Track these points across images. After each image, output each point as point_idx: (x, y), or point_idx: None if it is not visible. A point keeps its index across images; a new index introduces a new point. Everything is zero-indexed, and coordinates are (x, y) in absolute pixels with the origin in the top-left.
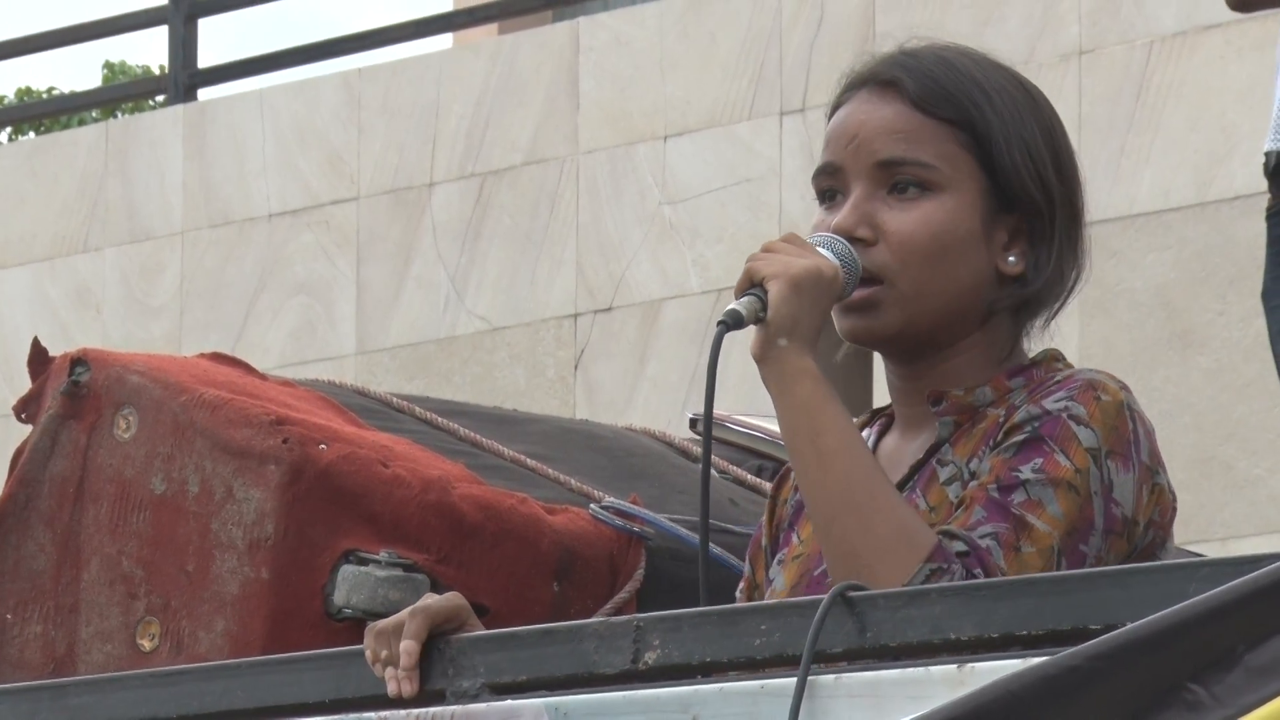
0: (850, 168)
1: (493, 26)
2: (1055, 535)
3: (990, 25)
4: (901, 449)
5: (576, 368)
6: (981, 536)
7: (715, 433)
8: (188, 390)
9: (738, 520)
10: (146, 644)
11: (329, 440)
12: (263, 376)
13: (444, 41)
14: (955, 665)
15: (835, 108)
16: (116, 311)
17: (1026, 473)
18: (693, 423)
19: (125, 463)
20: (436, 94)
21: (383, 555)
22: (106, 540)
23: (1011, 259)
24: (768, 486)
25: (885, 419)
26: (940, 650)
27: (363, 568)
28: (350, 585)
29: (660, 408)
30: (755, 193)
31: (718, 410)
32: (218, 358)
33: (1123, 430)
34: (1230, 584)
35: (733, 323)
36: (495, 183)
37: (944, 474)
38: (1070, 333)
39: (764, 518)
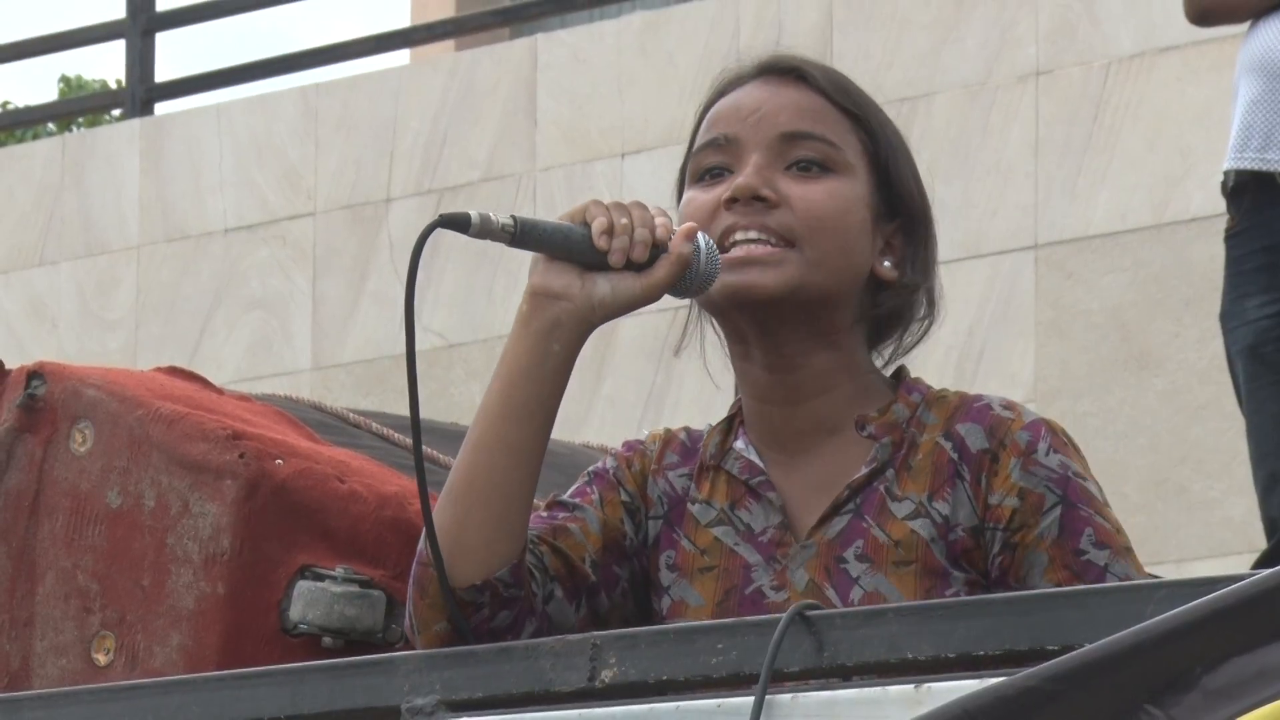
0: (749, 140)
1: (450, 43)
2: None
3: (948, 45)
4: (822, 465)
5: None
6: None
7: None
8: (144, 404)
9: None
10: (101, 658)
11: (285, 455)
12: (219, 391)
13: (401, 57)
14: (912, 685)
15: (719, 95)
16: (72, 325)
17: (1099, 556)
18: None
19: (81, 476)
20: (394, 109)
21: (339, 571)
22: (62, 554)
23: (887, 263)
24: None
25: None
26: (897, 670)
27: (319, 583)
28: (306, 601)
29: (615, 425)
30: None
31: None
32: (174, 372)
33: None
34: (1187, 606)
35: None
36: (452, 198)
37: (901, 509)
38: (1026, 353)
39: (625, 470)
